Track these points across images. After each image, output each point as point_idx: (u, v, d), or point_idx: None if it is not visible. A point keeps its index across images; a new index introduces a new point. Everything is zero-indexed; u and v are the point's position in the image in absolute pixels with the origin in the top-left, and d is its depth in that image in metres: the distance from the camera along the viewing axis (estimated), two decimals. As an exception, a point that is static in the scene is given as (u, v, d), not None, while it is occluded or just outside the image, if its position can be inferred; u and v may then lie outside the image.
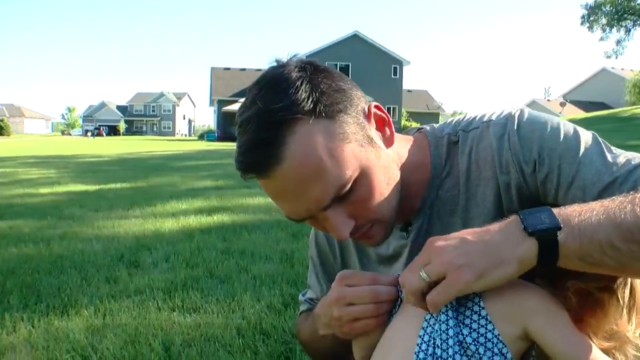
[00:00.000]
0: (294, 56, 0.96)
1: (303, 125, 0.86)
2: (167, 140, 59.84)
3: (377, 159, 0.95)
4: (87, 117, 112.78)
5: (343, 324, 0.95)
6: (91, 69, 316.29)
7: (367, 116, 0.96)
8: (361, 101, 0.96)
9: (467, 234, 0.81)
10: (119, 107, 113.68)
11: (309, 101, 0.87)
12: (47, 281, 3.92)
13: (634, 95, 42.93)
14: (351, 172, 0.89)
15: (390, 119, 1.00)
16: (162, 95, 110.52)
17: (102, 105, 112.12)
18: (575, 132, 0.95)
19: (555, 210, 0.80)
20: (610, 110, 35.29)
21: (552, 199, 0.93)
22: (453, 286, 0.78)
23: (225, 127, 49.91)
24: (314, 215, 0.93)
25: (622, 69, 54.88)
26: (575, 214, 0.79)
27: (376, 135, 0.97)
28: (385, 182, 0.96)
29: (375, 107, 0.98)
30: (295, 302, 3.25)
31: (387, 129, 1.00)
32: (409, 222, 1.08)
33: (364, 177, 0.92)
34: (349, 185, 0.90)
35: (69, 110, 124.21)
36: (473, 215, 1.02)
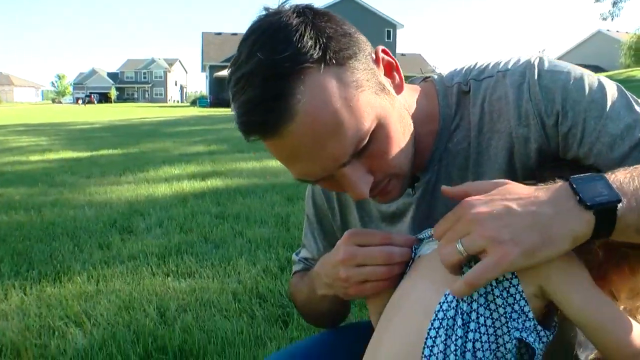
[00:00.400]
0: (285, 2, 0.85)
1: (313, 74, 0.77)
2: (159, 106, 59.41)
3: (392, 107, 0.86)
4: (78, 85, 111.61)
5: (350, 286, 0.89)
6: (81, 35, 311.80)
7: (376, 61, 0.88)
8: (367, 46, 0.88)
9: (511, 200, 0.72)
10: (109, 74, 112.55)
11: (317, 48, 0.77)
12: (39, 248, 3.87)
13: (628, 57, 42.74)
14: (369, 123, 0.81)
15: (399, 64, 0.92)
16: (153, 61, 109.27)
17: (93, 72, 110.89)
18: (600, 83, 0.88)
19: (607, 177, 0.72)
20: (605, 73, 35.15)
21: (573, 154, 0.87)
22: (496, 266, 0.69)
23: (218, 93, 49.66)
24: (331, 174, 0.85)
25: (618, 32, 54.56)
26: (627, 180, 0.72)
27: (387, 82, 0.89)
28: (402, 131, 0.88)
29: (383, 51, 0.90)
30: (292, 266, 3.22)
31: (396, 74, 0.91)
32: (416, 177, 1.01)
33: (381, 128, 0.83)
34: (367, 138, 0.82)
35: (59, 77, 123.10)
36: (485, 169, 0.94)
